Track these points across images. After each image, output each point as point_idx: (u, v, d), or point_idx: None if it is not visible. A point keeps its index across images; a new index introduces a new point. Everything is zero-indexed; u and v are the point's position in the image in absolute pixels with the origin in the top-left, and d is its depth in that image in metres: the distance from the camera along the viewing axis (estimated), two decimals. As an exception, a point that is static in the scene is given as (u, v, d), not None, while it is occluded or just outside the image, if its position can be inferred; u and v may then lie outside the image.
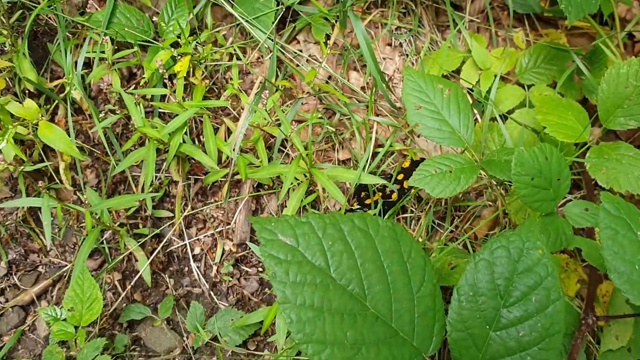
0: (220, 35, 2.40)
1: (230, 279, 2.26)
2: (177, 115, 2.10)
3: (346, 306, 1.29)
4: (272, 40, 2.26)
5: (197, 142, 2.33)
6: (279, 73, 2.36)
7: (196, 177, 2.33)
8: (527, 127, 2.21)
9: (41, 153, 2.23)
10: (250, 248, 2.24)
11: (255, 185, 2.30)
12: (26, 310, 2.24)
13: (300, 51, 2.43)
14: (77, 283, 1.90)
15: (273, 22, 2.29)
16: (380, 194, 2.19)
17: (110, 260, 2.21)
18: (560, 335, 1.30)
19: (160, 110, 2.34)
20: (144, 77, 2.25)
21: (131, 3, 2.40)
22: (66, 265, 2.25)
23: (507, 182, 2.09)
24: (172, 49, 2.19)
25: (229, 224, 2.29)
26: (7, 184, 2.26)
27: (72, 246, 2.28)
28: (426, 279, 1.37)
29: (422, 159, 2.25)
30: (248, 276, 2.28)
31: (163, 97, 2.31)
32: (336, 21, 2.37)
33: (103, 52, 2.26)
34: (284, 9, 2.34)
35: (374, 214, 2.15)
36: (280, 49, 2.36)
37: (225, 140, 2.25)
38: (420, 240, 2.17)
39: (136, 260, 2.19)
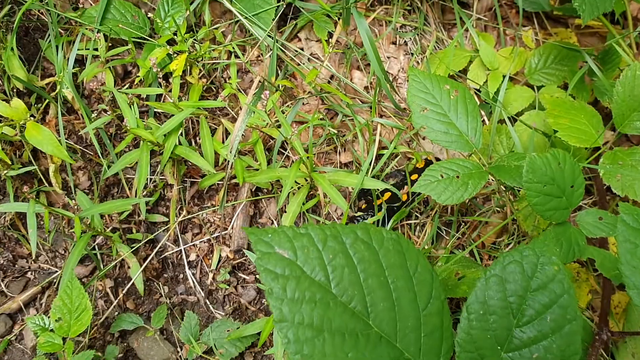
0: (218, 33, 2.33)
1: (227, 287, 2.17)
2: (172, 115, 2.02)
3: (348, 325, 1.21)
4: (272, 38, 2.20)
5: (194, 143, 2.26)
6: (279, 72, 2.30)
7: (192, 180, 2.25)
8: (537, 130, 2.14)
9: (30, 155, 2.15)
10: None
11: (253, 189, 2.22)
12: (13, 318, 2.15)
13: (302, 49, 2.37)
14: (65, 292, 1.82)
15: (273, 19, 2.23)
16: (390, 194, 2.11)
17: (101, 267, 2.13)
18: (577, 357, 1.22)
19: (155, 110, 2.26)
20: (139, 76, 2.17)
21: (126, -2, 2.32)
22: (56, 272, 2.17)
23: (516, 187, 2.02)
24: (168, 47, 2.12)
25: (226, 229, 2.21)
26: (-4, 185, 2.19)
27: (63, 251, 2.20)
28: (433, 295, 1.29)
29: (438, 159, 2.20)
30: (245, 284, 2.20)
31: (159, 97, 2.23)
32: (339, 18, 2.31)
33: (96, 49, 2.18)
34: (284, 6, 2.28)
35: (377, 221, 2.08)
36: (281, 47, 2.29)
37: (223, 142, 2.18)
38: (426, 248, 2.10)
39: (129, 267, 2.11)
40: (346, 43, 2.38)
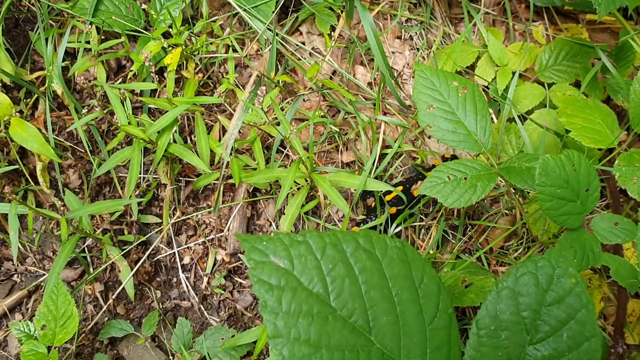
0: (216, 26, 2.27)
1: (222, 291, 2.09)
2: (167, 111, 1.94)
3: (348, 341, 1.12)
4: (272, 31, 2.12)
5: (189, 140, 2.18)
6: (279, 67, 2.24)
7: (187, 179, 2.18)
8: (548, 129, 2.06)
9: (18, 152, 2.06)
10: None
11: (251, 190, 2.14)
12: (-2, 323, 2.07)
13: (303, 43, 2.31)
14: (50, 298, 1.72)
15: (273, 12, 2.17)
16: (402, 187, 2.03)
17: (91, 270, 2.04)
18: (596, 377, 1.13)
19: (150, 106, 2.18)
20: (132, 70, 2.09)
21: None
22: (44, 274, 2.08)
23: (526, 190, 1.93)
24: (163, 40, 2.04)
25: (222, 231, 2.13)
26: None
27: (51, 253, 2.11)
28: (440, 308, 1.21)
29: (455, 156, 2.15)
30: (242, 289, 2.11)
31: (154, 92, 2.15)
32: (342, 11, 2.24)
33: (88, 42, 2.11)
34: (285, -3, 2.22)
35: (387, 219, 2.02)
36: (281, 40, 2.23)
37: (220, 140, 2.09)
38: (431, 252, 2.01)
39: (120, 271, 2.01)
40: (349, 37, 2.32)
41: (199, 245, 2.15)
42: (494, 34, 2.33)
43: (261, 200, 2.17)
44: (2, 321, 2.07)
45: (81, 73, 2.14)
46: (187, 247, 2.14)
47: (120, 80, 2.23)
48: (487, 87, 2.24)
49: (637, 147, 2.13)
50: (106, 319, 2.05)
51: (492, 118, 2.22)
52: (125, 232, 2.11)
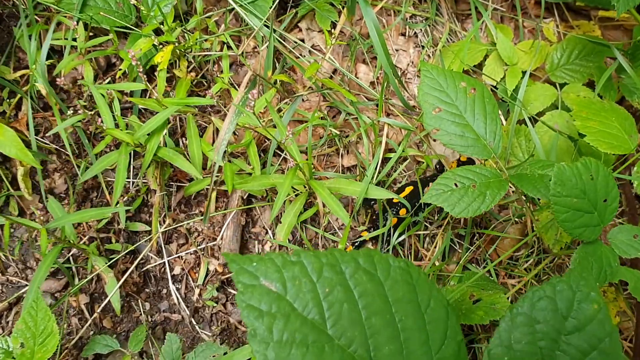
0: (211, 22, 2.20)
1: (215, 304, 1.99)
2: (158, 113, 1.84)
3: (346, 373, 1.01)
4: (269, 27, 2.04)
5: (181, 143, 2.09)
6: (276, 65, 2.18)
7: (179, 184, 2.09)
8: (560, 133, 1.96)
9: None
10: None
11: (245, 196, 2.05)
12: (-24, 339, 1.96)
13: (302, 41, 2.28)
14: (29, 314, 1.61)
15: (271, 7, 2.11)
16: (412, 187, 1.97)
17: (76, 281, 1.95)
18: (622, 414, 1.03)
19: (140, 107, 2.08)
20: (122, 69, 1.99)
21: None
22: (26, 285, 1.97)
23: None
24: (154, 37, 1.94)
25: (214, 239, 2.03)
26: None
27: (35, 262, 2.01)
28: (448, 335, 1.10)
29: (470, 160, 2.09)
30: (235, 301, 2.00)
31: (145, 92, 2.05)
32: (343, 7, 2.18)
33: (75, 39, 2.01)
34: (283, -8, 2.18)
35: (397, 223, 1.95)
36: (279, 37, 2.18)
37: (213, 143, 2.00)
38: (437, 264, 1.91)
39: (106, 282, 1.91)
40: (351, 34, 2.28)
41: (191, 254, 2.05)
42: (502, 31, 2.26)
43: (257, 207, 2.07)
44: (-19, 336, 1.97)
45: (68, 72, 2.05)
46: (178, 257, 2.05)
47: (109, 79, 2.14)
48: (495, 87, 2.18)
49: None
50: (91, 332, 1.95)
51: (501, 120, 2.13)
52: (113, 240, 2.01)
